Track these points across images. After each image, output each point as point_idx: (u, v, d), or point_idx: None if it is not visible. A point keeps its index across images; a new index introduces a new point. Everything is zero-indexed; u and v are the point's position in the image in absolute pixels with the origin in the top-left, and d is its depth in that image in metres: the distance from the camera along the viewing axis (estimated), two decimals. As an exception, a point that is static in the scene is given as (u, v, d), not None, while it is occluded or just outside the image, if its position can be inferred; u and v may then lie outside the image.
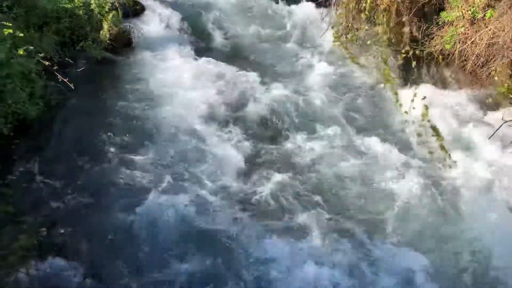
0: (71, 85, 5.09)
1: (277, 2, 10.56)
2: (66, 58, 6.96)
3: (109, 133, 6.17)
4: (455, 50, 6.77)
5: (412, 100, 6.16)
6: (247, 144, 6.34)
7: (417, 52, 7.16)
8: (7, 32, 4.05)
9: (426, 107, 5.99)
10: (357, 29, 7.74)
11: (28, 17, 6.89)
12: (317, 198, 5.59)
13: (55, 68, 4.87)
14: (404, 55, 6.77)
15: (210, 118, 6.74)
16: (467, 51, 6.69)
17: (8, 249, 4.05)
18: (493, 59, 6.55)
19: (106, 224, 5.06)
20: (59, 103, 6.38)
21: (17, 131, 5.40)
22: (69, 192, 5.34)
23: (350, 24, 7.79)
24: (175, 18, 9.46)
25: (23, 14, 6.81)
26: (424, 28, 7.20)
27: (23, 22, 6.75)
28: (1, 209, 4.06)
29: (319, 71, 8.00)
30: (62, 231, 4.84)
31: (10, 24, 4.08)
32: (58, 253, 4.60)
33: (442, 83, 7.28)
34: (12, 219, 4.18)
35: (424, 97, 6.17)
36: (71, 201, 5.24)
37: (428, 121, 6.00)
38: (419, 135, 6.37)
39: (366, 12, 6.97)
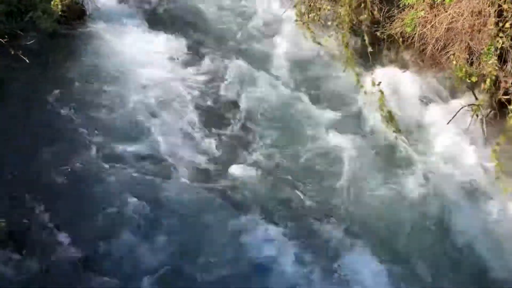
0: (25, 59, 4.75)
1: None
2: (14, 30, 6.54)
3: (58, 111, 5.94)
4: (415, 33, 6.80)
5: (373, 84, 6.20)
6: (202, 127, 6.27)
7: (378, 34, 7.18)
8: None
9: (382, 92, 6.05)
10: (319, 9, 7.65)
11: (-30, -16, 6.42)
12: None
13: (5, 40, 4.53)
14: (364, 37, 6.78)
15: (165, 98, 6.59)
16: (427, 35, 6.73)
17: None
18: (452, 44, 6.63)
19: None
20: (8, 78, 6.02)
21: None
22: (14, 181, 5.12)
23: (312, 4, 7.69)
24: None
25: (-36, -20, 6.34)
26: (386, 10, 7.20)
27: (-36, -11, 6.30)
28: None
29: (281, 50, 7.90)
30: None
31: None
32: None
33: (402, 66, 7.30)
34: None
35: (380, 82, 6.22)
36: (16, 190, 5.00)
37: (384, 105, 6.07)
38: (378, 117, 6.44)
39: (329, -8, 6.89)
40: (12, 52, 4.62)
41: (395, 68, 7.38)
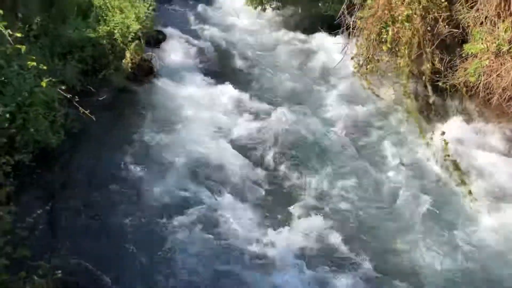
0: (92, 117, 5.08)
1: (294, 31, 10.69)
2: (88, 86, 7.04)
3: (128, 163, 6.19)
4: (480, 82, 6.61)
5: (432, 136, 6.06)
6: (263, 170, 6.38)
7: (440, 84, 7.06)
8: (31, 64, 4.09)
9: (446, 142, 5.86)
10: (377, 60, 7.67)
11: (53, 46, 7.03)
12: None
13: (76, 98, 4.91)
14: (426, 87, 6.68)
15: (227, 145, 6.76)
16: (493, 84, 6.53)
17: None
18: (520, 94, 6.38)
19: (126, 260, 4.99)
20: (79, 132, 6.38)
21: (37, 160, 5.35)
22: (88, 232, 5.23)
23: (370, 55, 7.72)
24: (195, 47, 9.67)
25: (48, 43, 6.96)
26: (447, 60, 7.09)
27: (48, 51, 6.90)
28: (19, 253, 3.97)
29: (339, 102, 7.97)
30: (80, 274, 4.71)
31: (34, 58, 4.13)
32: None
33: (467, 116, 7.11)
34: (28, 264, 4.08)
35: (444, 132, 6.04)
36: (90, 243, 5.09)
37: (448, 155, 5.87)
38: (442, 169, 6.22)
39: (388, 45, 6.90)
40: (82, 111, 4.93)
41: (459, 118, 7.18)
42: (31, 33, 6.56)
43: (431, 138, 6.17)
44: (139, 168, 6.16)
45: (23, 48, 4.18)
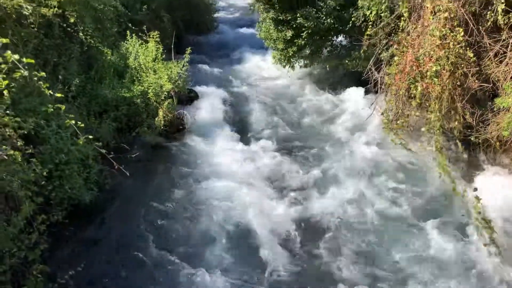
0: (127, 173, 5.20)
1: (322, 87, 10.86)
2: (122, 144, 7.26)
3: (158, 220, 6.21)
4: (514, 137, 6.48)
5: (464, 193, 5.89)
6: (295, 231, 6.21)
7: (472, 138, 6.93)
8: (68, 123, 4.28)
9: (478, 199, 5.65)
10: (407, 115, 7.63)
11: (90, 106, 7.35)
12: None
13: (111, 155, 5.06)
14: (459, 142, 6.56)
15: (257, 201, 6.70)
16: (527, 139, 6.39)
17: None
18: (557, 148, 6.21)
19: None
20: (112, 188, 6.52)
21: (70, 217, 5.44)
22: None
23: (400, 110, 7.70)
24: (226, 105, 9.93)
25: (86, 103, 7.28)
26: (478, 114, 7.00)
27: (85, 110, 7.20)
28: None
29: (369, 157, 7.92)
30: None
31: (73, 116, 4.32)
32: None
33: (501, 171, 6.92)
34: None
35: (476, 189, 5.85)
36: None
37: (479, 213, 5.64)
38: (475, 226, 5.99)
39: (417, 100, 6.88)
40: (116, 167, 5.06)
41: (493, 173, 6.99)
42: (69, 94, 6.90)
43: (463, 195, 5.98)
44: (168, 225, 6.17)
45: (63, 108, 4.39)
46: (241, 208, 6.51)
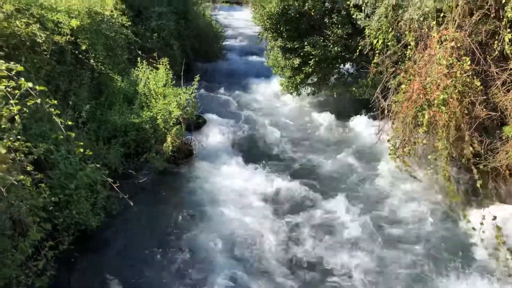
0: (131, 202, 5.22)
1: (328, 114, 10.91)
2: (130, 170, 7.29)
3: (164, 247, 6.15)
4: (524, 165, 6.44)
5: (482, 221, 5.80)
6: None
7: (481, 167, 6.89)
8: (78, 151, 4.33)
9: (499, 228, 5.57)
10: (414, 143, 7.63)
11: (99, 131, 7.43)
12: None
13: (118, 182, 5.11)
14: (467, 170, 6.52)
15: (263, 228, 6.66)
16: (538, 167, 6.34)
17: None
18: None
19: None
20: (119, 214, 6.51)
21: (77, 243, 5.44)
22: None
23: (407, 138, 7.70)
24: (233, 131, 9.97)
25: (95, 128, 7.36)
26: (486, 143, 6.97)
27: (94, 135, 7.28)
28: None
29: (377, 185, 7.91)
30: None
31: (82, 143, 4.39)
32: None
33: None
34: None
35: (495, 217, 5.77)
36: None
37: (503, 242, 5.54)
38: (493, 257, 5.88)
39: (424, 127, 6.88)
40: (121, 196, 5.09)
41: (503, 201, 6.92)
42: (80, 120, 6.98)
43: (481, 223, 5.90)
44: (174, 252, 6.11)
45: (73, 135, 4.47)
46: (249, 236, 6.46)
